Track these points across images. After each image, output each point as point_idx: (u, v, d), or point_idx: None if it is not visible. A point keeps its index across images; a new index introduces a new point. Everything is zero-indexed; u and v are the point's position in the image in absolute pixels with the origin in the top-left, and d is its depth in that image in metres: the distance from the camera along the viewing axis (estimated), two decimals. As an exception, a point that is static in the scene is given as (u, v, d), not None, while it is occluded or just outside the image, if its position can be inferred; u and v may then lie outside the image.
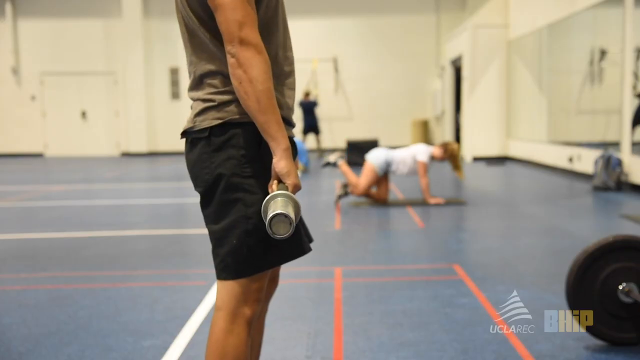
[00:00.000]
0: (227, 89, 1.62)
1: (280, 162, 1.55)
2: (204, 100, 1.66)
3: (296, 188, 1.56)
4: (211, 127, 1.62)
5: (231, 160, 1.61)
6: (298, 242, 1.66)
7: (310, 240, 1.80)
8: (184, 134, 1.70)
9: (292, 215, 1.44)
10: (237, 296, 1.64)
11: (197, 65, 1.66)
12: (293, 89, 1.73)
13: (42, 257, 4.68)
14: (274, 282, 1.88)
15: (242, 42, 1.51)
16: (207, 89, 1.65)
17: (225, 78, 1.62)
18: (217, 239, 1.65)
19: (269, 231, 1.45)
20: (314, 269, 4.16)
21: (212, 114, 1.63)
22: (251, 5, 1.54)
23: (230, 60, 1.53)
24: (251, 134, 1.61)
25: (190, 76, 1.71)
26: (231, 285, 1.64)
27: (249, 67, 1.51)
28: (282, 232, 1.45)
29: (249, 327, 1.66)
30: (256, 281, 1.65)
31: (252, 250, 1.61)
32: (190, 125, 1.67)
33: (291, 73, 1.72)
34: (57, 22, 15.86)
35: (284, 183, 1.56)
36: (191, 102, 1.73)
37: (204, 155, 1.63)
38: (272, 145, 1.55)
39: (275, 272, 1.88)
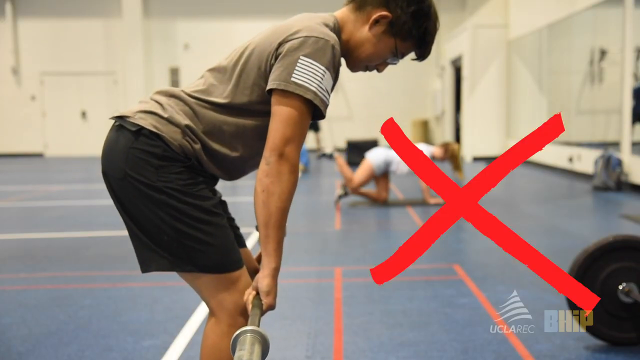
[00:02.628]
0: (183, 122, 1.60)
1: (265, 279, 1.55)
2: (160, 105, 1.63)
3: (270, 308, 1.56)
4: (143, 127, 1.60)
5: (145, 165, 1.58)
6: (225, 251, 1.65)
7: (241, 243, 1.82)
8: (117, 117, 1.66)
9: None
10: (227, 299, 1.65)
11: (185, 101, 1.64)
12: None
13: (42, 257, 4.68)
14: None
15: (282, 157, 1.51)
16: (171, 105, 1.63)
17: (185, 131, 1.60)
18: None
19: None
20: (314, 269, 4.16)
21: (154, 120, 1.61)
22: (304, 125, 1.55)
23: (263, 167, 1.53)
24: (174, 155, 1.59)
25: (186, 88, 1.69)
26: (213, 284, 1.66)
27: (277, 181, 1.51)
28: None
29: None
30: (238, 278, 1.65)
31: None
32: (128, 115, 1.64)
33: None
34: (57, 22, 15.84)
35: (259, 299, 1.55)
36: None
37: (122, 147, 1.61)
38: (264, 260, 1.55)
39: (253, 266, 1.86)
